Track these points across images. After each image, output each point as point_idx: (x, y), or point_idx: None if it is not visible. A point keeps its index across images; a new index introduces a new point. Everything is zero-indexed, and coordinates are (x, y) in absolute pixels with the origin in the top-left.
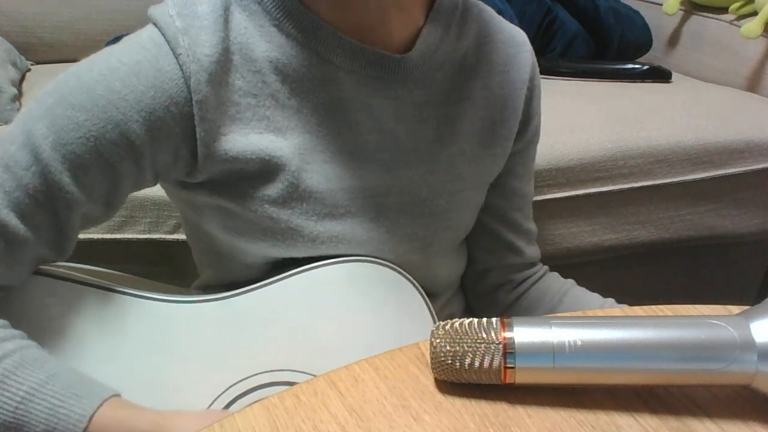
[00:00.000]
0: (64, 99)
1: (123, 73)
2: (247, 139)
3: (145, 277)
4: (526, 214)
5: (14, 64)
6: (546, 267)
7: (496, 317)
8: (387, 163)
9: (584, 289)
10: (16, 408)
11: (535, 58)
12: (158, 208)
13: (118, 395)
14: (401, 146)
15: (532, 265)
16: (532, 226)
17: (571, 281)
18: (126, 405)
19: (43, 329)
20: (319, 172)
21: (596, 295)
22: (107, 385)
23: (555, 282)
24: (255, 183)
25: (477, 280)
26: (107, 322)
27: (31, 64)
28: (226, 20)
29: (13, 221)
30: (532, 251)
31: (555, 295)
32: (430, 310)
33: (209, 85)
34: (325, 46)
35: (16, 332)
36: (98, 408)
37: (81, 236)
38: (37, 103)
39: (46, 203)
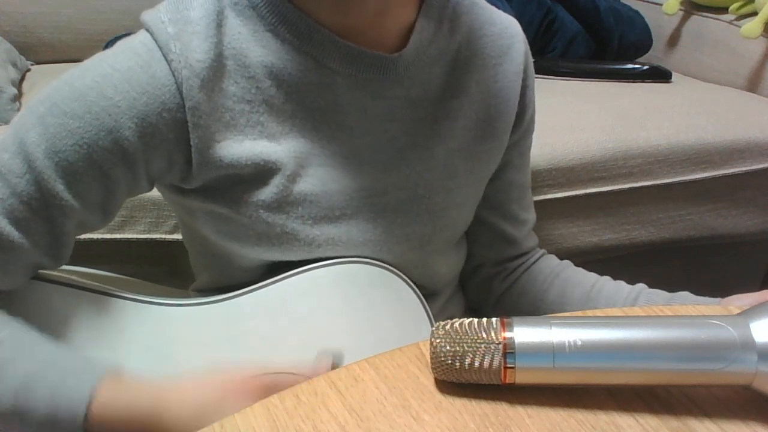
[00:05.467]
0: (56, 106)
1: (115, 79)
2: (241, 145)
3: (144, 277)
4: (523, 205)
5: (14, 64)
6: (543, 251)
7: (497, 317)
8: (383, 163)
9: (579, 269)
10: (17, 393)
11: (528, 47)
12: (158, 208)
13: (114, 371)
14: (397, 145)
15: (527, 252)
16: (530, 215)
17: (566, 262)
18: (123, 381)
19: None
20: (315, 176)
21: (592, 275)
22: (103, 363)
23: (547, 265)
24: (249, 188)
25: (471, 272)
26: (106, 327)
27: (31, 64)
28: (219, 25)
29: (7, 228)
30: (530, 241)
31: (546, 278)
32: (425, 308)
33: (202, 91)
34: (322, 50)
35: (12, 317)
36: (97, 387)
37: (81, 236)
38: (29, 111)
39: (40, 210)
